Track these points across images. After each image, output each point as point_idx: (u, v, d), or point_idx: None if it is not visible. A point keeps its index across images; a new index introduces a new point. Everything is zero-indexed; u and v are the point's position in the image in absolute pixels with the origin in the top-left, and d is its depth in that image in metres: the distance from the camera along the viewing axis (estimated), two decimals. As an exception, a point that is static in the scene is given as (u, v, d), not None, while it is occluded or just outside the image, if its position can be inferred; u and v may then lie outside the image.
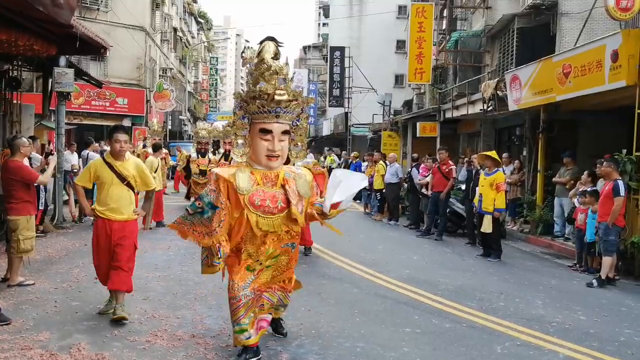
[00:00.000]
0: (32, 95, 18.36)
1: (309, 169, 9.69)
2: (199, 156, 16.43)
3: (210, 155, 16.67)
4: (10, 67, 12.06)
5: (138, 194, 7.66)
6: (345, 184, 5.21)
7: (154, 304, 7.21)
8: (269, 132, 5.09)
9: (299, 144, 5.47)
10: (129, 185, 6.74)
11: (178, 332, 6.11)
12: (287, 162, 5.67)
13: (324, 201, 5.33)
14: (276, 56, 5.22)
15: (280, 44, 5.36)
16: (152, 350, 5.62)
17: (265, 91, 5.06)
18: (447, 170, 14.11)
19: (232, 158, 6.49)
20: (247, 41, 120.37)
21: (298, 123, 5.38)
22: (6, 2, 7.15)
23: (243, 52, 5.40)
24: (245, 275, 5.25)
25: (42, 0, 7.11)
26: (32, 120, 14.06)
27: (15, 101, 12.45)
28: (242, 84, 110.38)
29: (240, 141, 5.27)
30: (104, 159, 6.84)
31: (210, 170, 5.64)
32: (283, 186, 5.23)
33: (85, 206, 7.13)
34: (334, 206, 5.24)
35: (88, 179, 6.80)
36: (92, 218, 7.27)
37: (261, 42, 5.35)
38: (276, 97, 5.04)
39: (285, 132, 5.18)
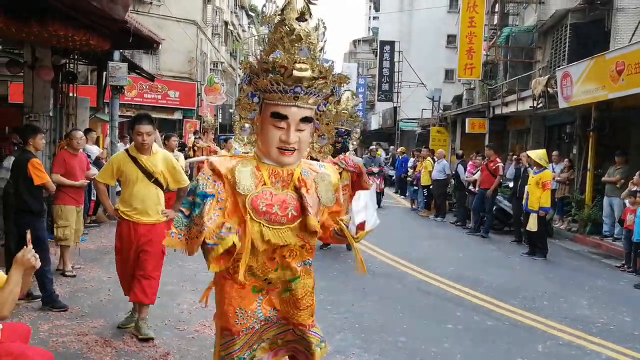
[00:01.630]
0: (87, 88, 18.79)
1: (342, 167, 9.52)
2: None
3: None
4: (67, 62, 12.43)
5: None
6: (369, 205, 3.73)
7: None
8: (284, 117, 3.55)
9: (325, 135, 3.92)
10: (156, 182, 5.96)
11: (225, 323, 6.27)
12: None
13: (348, 221, 3.73)
14: (302, 17, 3.61)
15: (312, 2, 3.76)
16: (201, 339, 5.81)
17: (280, 63, 3.48)
18: (494, 167, 14.04)
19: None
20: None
21: (325, 108, 3.84)
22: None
23: (264, 6, 3.76)
24: (252, 298, 3.66)
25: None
26: (87, 113, 14.50)
27: (71, 94, 12.84)
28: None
29: (247, 125, 3.77)
30: (128, 152, 6.01)
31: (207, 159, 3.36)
32: (298, 189, 3.66)
33: (107, 206, 6.34)
34: (360, 227, 3.65)
35: (110, 175, 6.01)
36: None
37: None
38: (295, 73, 3.47)
39: (305, 120, 3.60)
